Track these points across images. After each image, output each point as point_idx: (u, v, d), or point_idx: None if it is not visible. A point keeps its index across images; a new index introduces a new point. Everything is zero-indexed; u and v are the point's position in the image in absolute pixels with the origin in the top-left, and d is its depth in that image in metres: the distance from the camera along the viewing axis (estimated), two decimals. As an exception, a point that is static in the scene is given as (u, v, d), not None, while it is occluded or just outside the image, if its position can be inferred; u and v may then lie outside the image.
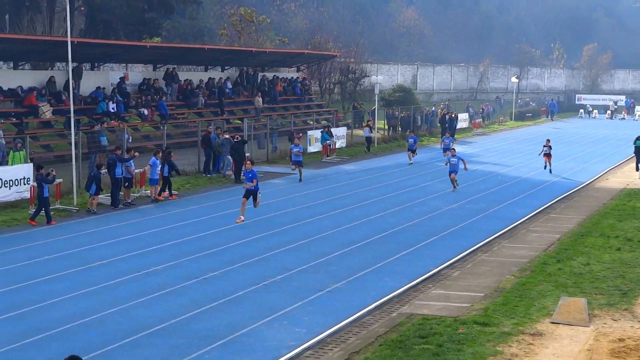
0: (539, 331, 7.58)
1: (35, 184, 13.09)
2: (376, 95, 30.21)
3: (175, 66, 26.76)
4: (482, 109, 41.88)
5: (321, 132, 24.49)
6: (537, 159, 22.11)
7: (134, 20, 29.56)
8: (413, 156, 22.69)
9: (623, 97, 53.41)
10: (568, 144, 30.47)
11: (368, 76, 37.26)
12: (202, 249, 10.96)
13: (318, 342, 7.08)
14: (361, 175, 20.57)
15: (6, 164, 14.72)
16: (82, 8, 30.92)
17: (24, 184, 13.81)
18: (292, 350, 6.78)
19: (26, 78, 21.14)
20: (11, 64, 22.31)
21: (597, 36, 65.87)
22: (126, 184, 14.66)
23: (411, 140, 23.01)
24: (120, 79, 23.64)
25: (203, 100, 26.13)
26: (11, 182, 13.70)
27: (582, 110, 50.95)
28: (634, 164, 20.89)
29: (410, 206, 15.36)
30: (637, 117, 47.69)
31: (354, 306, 8.40)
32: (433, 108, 36.99)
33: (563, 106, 52.75)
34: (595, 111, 49.80)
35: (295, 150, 18.61)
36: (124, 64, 26.76)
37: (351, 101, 36.04)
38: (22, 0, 28.92)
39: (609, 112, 49.45)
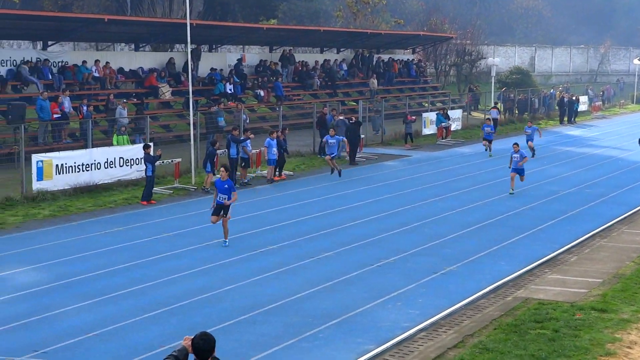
0: None
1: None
2: (493, 78, 29.15)
3: (291, 48, 26.55)
4: (602, 91, 40.64)
5: (436, 114, 23.12)
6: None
7: (251, 3, 30.07)
8: (488, 147, 19.52)
9: None
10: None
11: (484, 58, 36.55)
12: (317, 229, 10.85)
13: (432, 324, 7.12)
14: (477, 158, 19.95)
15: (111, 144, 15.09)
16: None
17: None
18: (405, 331, 6.84)
19: (146, 59, 21.99)
20: (132, 46, 23.40)
21: None
22: (242, 164, 14.45)
23: (488, 129, 19.87)
24: (237, 60, 23.91)
25: (318, 82, 25.72)
26: (132, 160, 13.92)
27: None
28: None
29: (527, 190, 14.81)
30: None
31: (468, 289, 8.38)
32: (552, 90, 35.41)
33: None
34: None
35: (330, 141, 16.34)
36: (241, 46, 27.13)
37: (467, 84, 35.06)
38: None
39: None
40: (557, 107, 31.18)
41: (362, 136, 18.96)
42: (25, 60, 18.19)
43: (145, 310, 6.98)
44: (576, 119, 30.47)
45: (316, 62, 26.86)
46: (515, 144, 15.03)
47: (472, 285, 8.59)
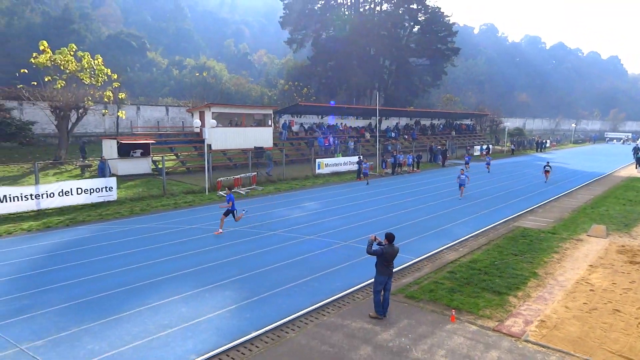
0: (580, 239, 15.75)
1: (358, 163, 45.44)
2: (505, 132, 68.83)
3: (419, 118, 61.08)
4: (557, 137, 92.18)
5: (480, 147, 54.76)
6: None
7: (402, 101, 66.71)
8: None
9: None
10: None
11: (502, 123, 76.02)
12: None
13: (479, 234, 16.57)
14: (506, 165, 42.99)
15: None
16: None
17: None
18: (466, 236, 19.86)
19: (360, 122, 56.08)
20: (355, 117, 57.64)
21: None
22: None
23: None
24: (395, 124, 58.15)
25: (429, 132, 59.19)
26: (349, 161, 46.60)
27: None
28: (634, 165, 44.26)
29: (514, 182, 41.69)
30: None
31: (493, 220, 18.73)
32: (533, 137, 78.28)
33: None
34: None
35: (364, 165, 31.41)
36: (398, 117, 60.69)
37: (493, 134, 72.03)
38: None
39: None
40: (535, 144, 64.61)
41: (448, 154, 50.42)
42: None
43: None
44: (544, 149, 61.67)
45: (431, 124, 59.69)
46: (462, 169, 26.26)
47: (493, 219, 18.86)
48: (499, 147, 61.83)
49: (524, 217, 20.18)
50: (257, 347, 8.93)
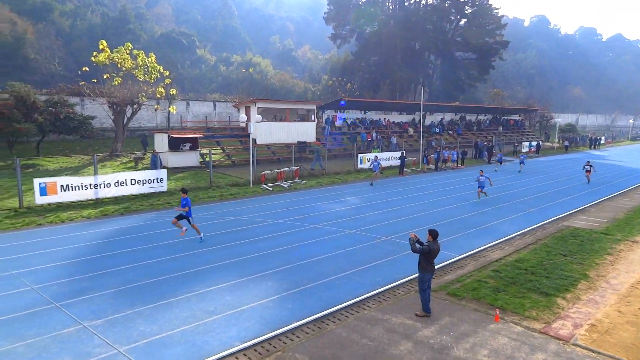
0: (635, 241, 15.28)
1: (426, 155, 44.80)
2: (557, 127, 65.22)
3: (464, 114, 59.72)
4: (613, 134, 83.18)
5: (529, 142, 52.70)
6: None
7: (449, 95, 65.48)
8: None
9: None
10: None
11: (552, 118, 71.93)
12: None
13: (527, 231, 16.51)
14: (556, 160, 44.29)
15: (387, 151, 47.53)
16: None
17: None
18: (514, 233, 19.67)
19: (404, 117, 55.34)
20: (399, 113, 57.01)
21: None
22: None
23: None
24: (440, 119, 56.97)
25: (475, 128, 57.44)
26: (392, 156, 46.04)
27: None
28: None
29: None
30: None
31: (544, 218, 18.58)
32: (587, 134, 72.89)
33: None
34: None
35: (374, 163, 28.74)
36: (442, 113, 59.52)
37: (542, 130, 67.32)
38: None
39: None
40: (588, 141, 61.96)
41: (494, 151, 48.98)
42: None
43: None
44: (598, 147, 59.47)
45: (477, 119, 58.09)
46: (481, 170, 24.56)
47: (542, 217, 18.58)
48: (549, 144, 59.34)
49: (575, 216, 19.68)
50: (298, 337, 9.14)
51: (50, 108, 30.93)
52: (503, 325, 9.72)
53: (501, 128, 59.19)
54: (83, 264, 12.99)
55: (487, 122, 60.29)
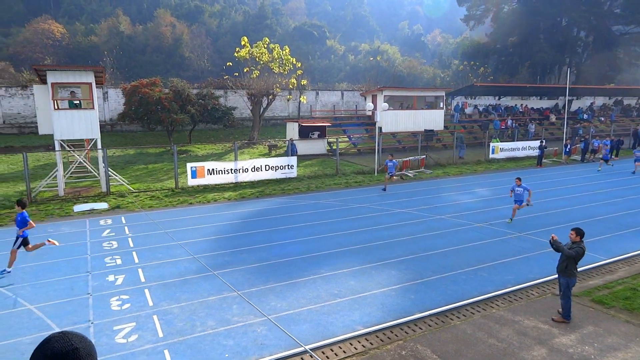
0: None
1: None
2: None
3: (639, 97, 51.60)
4: None
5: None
6: None
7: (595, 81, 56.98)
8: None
9: None
10: None
11: None
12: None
13: (615, 261, 12.32)
14: None
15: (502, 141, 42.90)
16: None
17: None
18: (607, 258, 13.61)
19: (544, 103, 50.05)
20: (538, 98, 51.88)
21: None
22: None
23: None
24: (590, 104, 50.01)
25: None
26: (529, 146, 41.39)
27: None
28: None
29: None
30: None
31: (628, 248, 13.62)
32: None
33: None
34: None
35: (389, 164, 21.94)
36: (593, 97, 52.76)
37: None
38: None
39: None
40: None
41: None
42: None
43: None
44: None
45: (637, 103, 50.31)
46: (518, 178, 15.88)
47: (626, 246, 14.29)
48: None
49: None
50: (421, 328, 9.10)
51: (200, 100, 34.70)
52: (660, 342, 8.49)
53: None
54: (225, 240, 14.50)
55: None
